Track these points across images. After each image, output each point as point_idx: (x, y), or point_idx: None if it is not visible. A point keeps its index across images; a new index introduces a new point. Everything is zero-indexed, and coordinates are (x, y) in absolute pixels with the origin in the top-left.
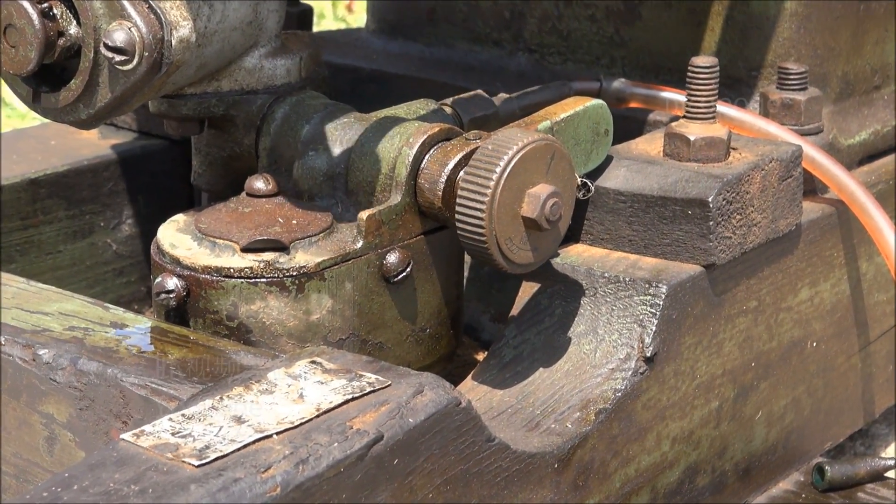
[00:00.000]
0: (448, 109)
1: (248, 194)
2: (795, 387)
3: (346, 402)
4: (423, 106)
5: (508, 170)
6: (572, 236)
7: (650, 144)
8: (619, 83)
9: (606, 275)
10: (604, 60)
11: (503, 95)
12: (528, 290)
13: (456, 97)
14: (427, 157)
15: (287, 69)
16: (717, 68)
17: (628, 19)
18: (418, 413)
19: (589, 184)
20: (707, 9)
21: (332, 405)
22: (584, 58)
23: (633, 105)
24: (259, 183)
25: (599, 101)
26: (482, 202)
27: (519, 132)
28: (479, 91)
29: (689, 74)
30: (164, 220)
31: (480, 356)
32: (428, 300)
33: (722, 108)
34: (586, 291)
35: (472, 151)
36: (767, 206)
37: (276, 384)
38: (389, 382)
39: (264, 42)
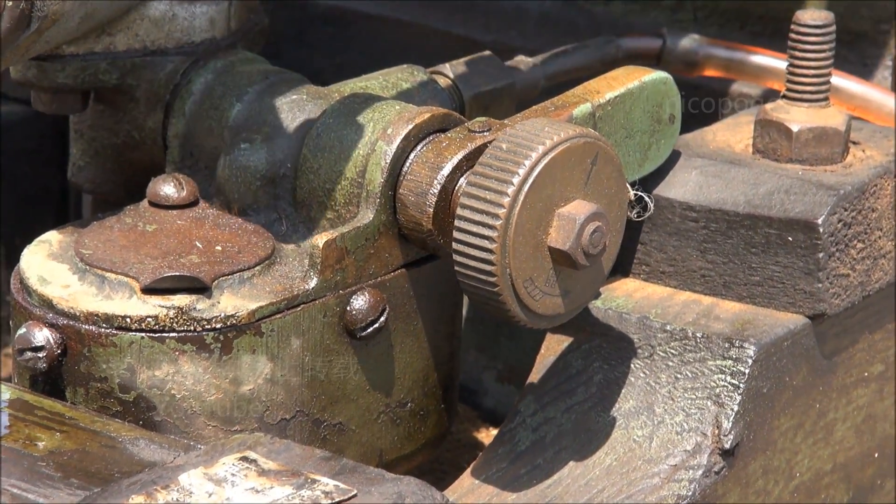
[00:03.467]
0: (443, 81)
1: (151, 203)
2: None
3: None
4: (406, 76)
5: (531, 180)
6: (620, 267)
7: (734, 135)
8: (689, 40)
9: (668, 327)
10: (668, 2)
11: (522, 59)
12: (553, 345)
13: (454, 62)
14: (413, 156)
15: (210, 19)
16: (833, 27)
17: None
18: None
19: (646, 198)
20: None
21: None
22: None
23: (709, 73)
24: (168, 187)
25: (663, 74)
26: (492, 226)
27: (546, 123)
28: (488, 52)
29: (793, 36)
30: (26, 225)
31: (484, 435)
32: (410, 362)
33: (838, 81)
34: (639, 351)
35: (479, 150)
36: None
37: (192, 492)
38: (355, 491)
39: None
